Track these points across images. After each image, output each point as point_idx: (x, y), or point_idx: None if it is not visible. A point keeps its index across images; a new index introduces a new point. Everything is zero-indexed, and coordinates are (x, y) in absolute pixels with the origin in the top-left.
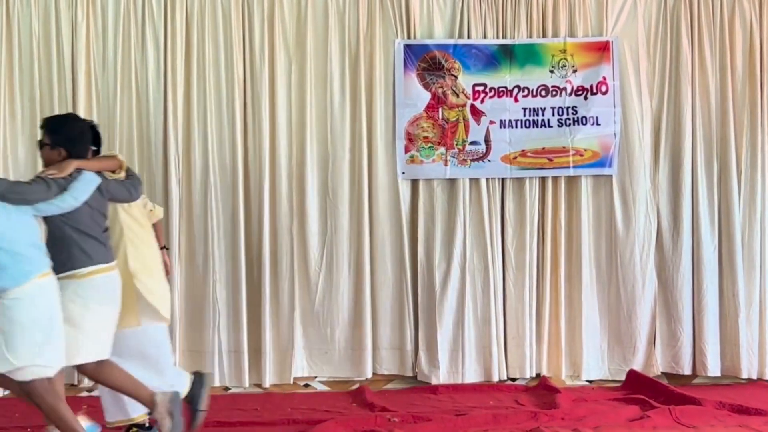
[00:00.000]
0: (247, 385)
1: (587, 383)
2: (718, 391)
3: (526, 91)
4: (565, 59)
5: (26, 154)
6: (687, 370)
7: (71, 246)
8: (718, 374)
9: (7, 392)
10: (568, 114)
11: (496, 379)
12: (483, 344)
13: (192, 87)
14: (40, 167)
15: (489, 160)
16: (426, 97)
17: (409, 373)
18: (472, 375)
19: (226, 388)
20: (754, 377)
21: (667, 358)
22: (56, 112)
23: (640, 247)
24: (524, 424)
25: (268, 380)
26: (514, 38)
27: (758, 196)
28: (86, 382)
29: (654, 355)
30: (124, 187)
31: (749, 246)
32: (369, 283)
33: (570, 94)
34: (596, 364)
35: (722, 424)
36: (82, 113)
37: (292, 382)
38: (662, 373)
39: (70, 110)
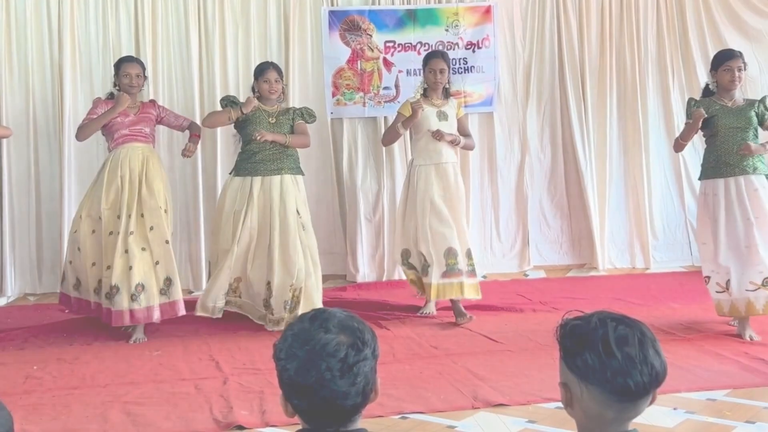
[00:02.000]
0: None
1: (482, 278)
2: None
3: (427, 46)
4: (457, 20)
5: (22, 109)
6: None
7: None
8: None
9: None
10: (460, 64)
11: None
12: (394, 250)
13: (158, 49)
14: (32, 122)
15: (398, 101)
16: (347, 52)
17: (341, 273)
18: (389, 275)
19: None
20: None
21: (538, 251)
22: (47, 76)
23: (516, 166)
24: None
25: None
26: (416, 4)
27: (607, 122)
28: None
29: (527, 250)
30: None
31: (590, 163)
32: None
33: (461, 48)
34: (483, 261)
35: None
36: (67, 74)
37: None
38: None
39: (57, 73)
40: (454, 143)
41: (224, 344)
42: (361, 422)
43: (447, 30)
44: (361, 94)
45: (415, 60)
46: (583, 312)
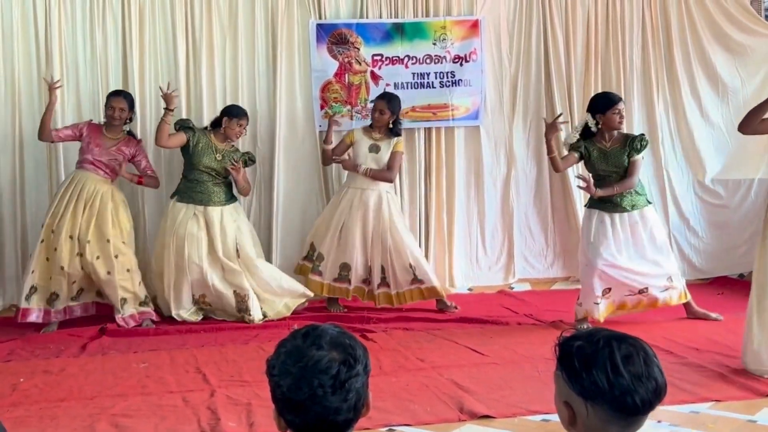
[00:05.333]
0: None
1: (468, 290)
2: None
3: (414, 60)
4: (445, 34)
5: (9, 121)
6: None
7: None
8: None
9: None
10: (447, 77)
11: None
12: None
13: (145, 60)
14: (17, 129)
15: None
16: (335, 65)
17: None
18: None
19: None
20: None
21: (523, 264)
22: (34, 88)
23: (501, 179)
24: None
25: None
26: (404, 18)
27: None
28: None
29: (513, 263)
30: None
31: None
32: (281, 207)
33: (449, 62)
34: (469, 273)
35: None
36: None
37: None
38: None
39: (44, 86)
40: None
41: (211, 356)
42: None
43: (434, 43)
44: (349, 107)
45: (403, 73)
46: (576, 328)
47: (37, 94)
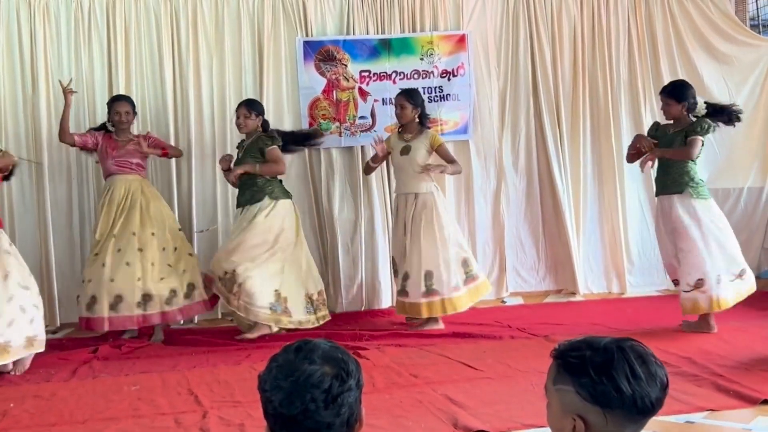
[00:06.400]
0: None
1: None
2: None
3: (402, 75)
4: (432, 49)
5: None
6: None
7: None
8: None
9: None
10: (436, 92)
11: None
12: (374, 279)
13: (131, 79)
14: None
15: (374, 131)
16: (322, 82)
17: None
18: (369, 304)
19: None
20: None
21: (515, 278)
22: (19, 109)
23: (492, 193)
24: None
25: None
26: (390, 33)
27: (581, 147)
28: None
29: (505, 277)
30: None
31: (566, 189)
32: None
33: (437, 77)
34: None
35: None
36: (42, 108)
37: None
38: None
39: (30, 108)
40: (439, 171)
41: (203, 378)
42: None
43: (422, 59)
44: (337, 123)
45: (391, 89)
46: (565, 340)
47: (23, 115)
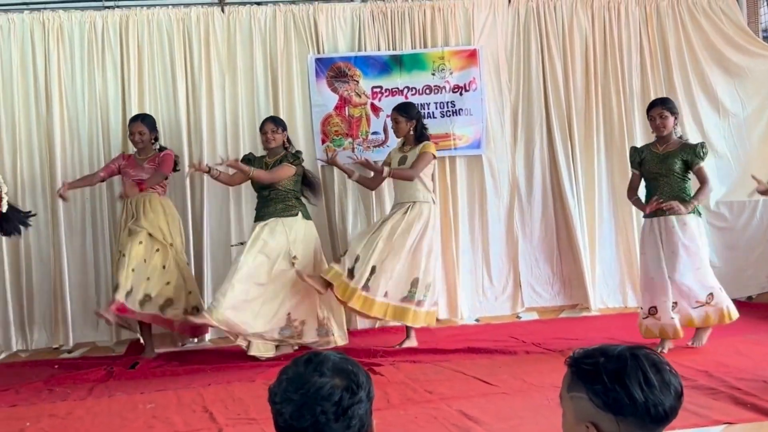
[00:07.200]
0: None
1: (476, 321)
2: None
3: (414, 90)
4: (443, 64)
5: (9, 165)
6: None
7: None
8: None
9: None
10: (448, 107)
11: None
12: None
13: (144, 99)
14: (19, 172)
15: (387, 146)
16: (335, 99)
17: None
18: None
19: None
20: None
21: (530, 293)
22: (33, 128)
23: (505, 207)
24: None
25: None
26: (402, 49)
27: (595, 161)
28: None
29: (519, 293)
30: None
31: (579, 204)
32: None
33: (449, 92)
34: (475, 304)
35: None
36: (56, 129)
37: None
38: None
39: (44, 129)
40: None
41: (218, 395)
42: None
43: (433, 74)
44: (350, 139)
45: None
46: (578, 350)
47: (36, 137)
